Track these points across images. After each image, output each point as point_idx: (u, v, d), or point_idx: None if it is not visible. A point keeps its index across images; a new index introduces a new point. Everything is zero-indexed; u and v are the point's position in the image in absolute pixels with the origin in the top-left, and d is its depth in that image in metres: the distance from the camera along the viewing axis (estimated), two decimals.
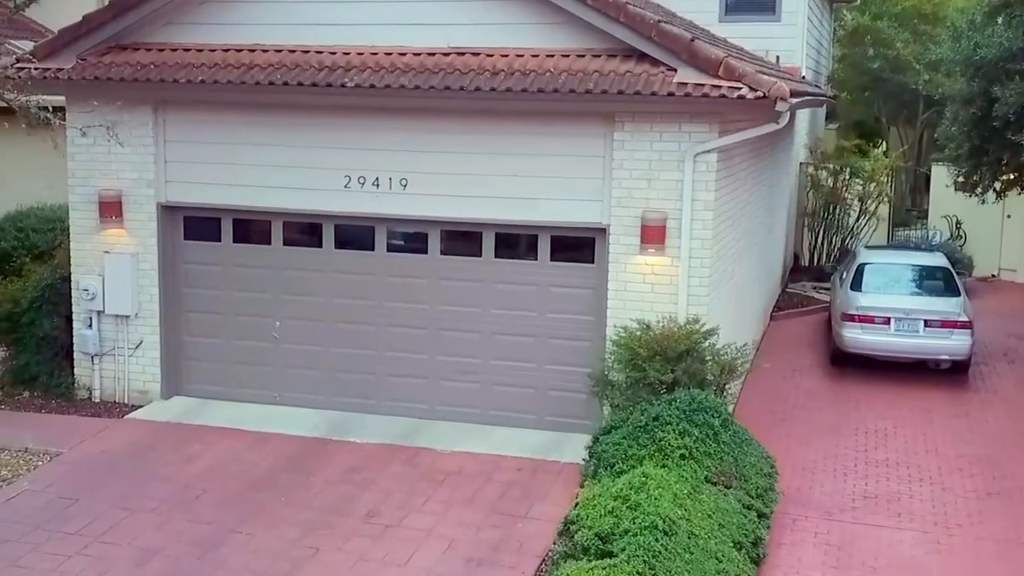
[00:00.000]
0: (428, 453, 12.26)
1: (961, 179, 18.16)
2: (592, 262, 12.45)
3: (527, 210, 12.42)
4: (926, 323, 15.51)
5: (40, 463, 12.14)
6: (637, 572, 8.59)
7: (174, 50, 13.08)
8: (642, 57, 11.69)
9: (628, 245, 12.08)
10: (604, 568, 8.65)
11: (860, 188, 22.79)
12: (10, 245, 16.37)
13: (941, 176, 22.66)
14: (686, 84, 11.26)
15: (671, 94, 11.23)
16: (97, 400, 13.92)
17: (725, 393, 11.67)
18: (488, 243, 12.76)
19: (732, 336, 12.99)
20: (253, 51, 12.86)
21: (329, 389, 13.45)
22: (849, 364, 16.17)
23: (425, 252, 12.98)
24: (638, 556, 8.70)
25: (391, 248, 13.10)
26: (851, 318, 15.77)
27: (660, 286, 12.02)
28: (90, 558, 10.00)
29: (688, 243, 11.87)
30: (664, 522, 9.12)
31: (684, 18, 15.41)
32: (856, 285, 16.33)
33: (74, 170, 13.71)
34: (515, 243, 12.73)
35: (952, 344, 15.47)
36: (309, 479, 11.62)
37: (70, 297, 13.96)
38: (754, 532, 10.02)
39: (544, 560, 9.98)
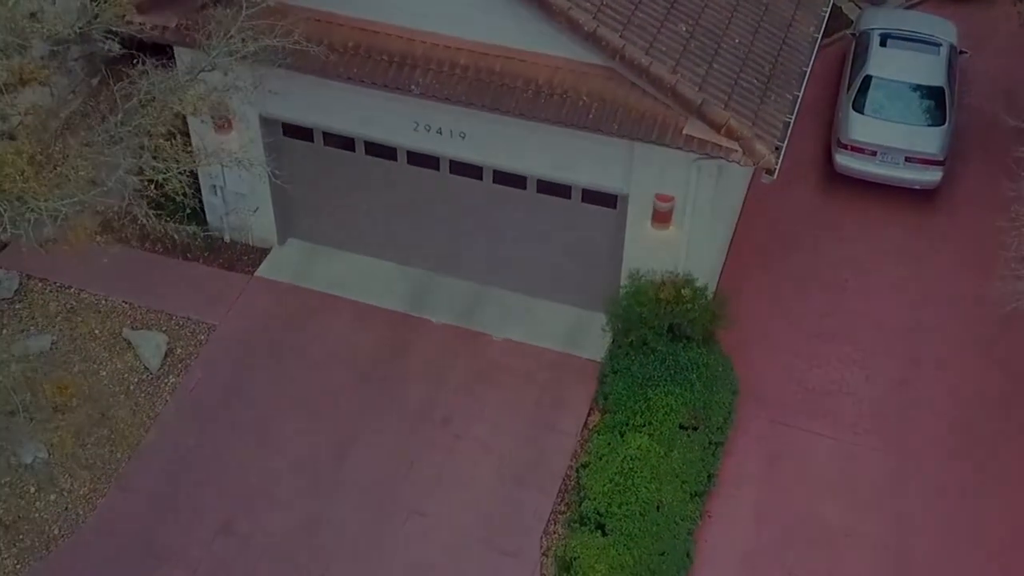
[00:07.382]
0: (485, 340, 16.46)
1: None
2: (615, 208, 15.53)
3: (562, 170, 15.26)
4: (907, 158, 18.28)
5: (203, 336, 16.60)
6: (623, 546, 13.53)
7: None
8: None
9: (643, 208, 15.11)
10: (600, 547, 13.55)
11: None
12: None
13: None
14: (693, 139, 13.65)
15: (679, 147, 13.70)
16: (228, 240, 17.84)
17: (711, 339, 15.48)
18: (531, 182, 15.73)
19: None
20: (330, 23, 14.85)
21: (411, 253, 17.23)
22: None
23: (481, 179, 15.99)
24: (622, 541, 13.57)
25: (452, 171, 16.08)
26: (844, 147, 18.52)
27: (666, 244, 15.27)
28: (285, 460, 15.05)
29: (690, 219, 14.91)
30: (642, 506, 13.80)
31: None
32: (859, 104, 18.64)
33: None
34: (554, 185, 15.66)
35: (925, 178, 18.38)
36: (400, 373, 16.06)
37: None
38: (708, 471, 14.65)
39: (564, 479, 14.86)
